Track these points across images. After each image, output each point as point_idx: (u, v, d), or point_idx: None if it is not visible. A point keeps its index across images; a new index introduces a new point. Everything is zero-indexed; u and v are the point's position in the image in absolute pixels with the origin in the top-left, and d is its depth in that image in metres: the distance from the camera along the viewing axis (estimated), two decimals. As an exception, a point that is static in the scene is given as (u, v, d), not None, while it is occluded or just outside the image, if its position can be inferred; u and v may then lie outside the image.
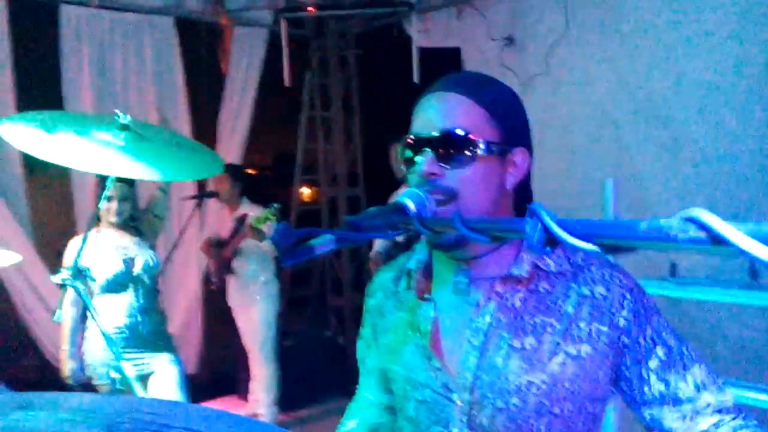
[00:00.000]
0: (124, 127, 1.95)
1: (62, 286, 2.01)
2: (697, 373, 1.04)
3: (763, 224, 0.41)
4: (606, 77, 3.98)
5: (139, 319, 3.13)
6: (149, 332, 3.17)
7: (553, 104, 4.26)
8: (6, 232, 4.20)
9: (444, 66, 5.16)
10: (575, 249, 0.58)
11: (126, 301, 3.12)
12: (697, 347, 1.08)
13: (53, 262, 4.45)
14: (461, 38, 4.90)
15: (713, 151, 3.44)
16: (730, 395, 1.05)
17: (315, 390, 5.07)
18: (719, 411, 1.03)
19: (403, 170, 1.11)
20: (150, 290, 3.23)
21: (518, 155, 1.09)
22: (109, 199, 3.09)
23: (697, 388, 1.03)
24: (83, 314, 3.12)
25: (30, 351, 4.49)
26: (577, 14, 4.07)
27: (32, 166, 4.37)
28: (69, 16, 4.49)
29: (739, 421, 1.02)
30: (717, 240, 0.43)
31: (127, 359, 3.00)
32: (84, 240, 2.05)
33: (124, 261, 3.12)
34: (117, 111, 1.95)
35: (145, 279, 3.18)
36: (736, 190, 3.33)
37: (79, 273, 2.03)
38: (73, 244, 3.11)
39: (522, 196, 1.13)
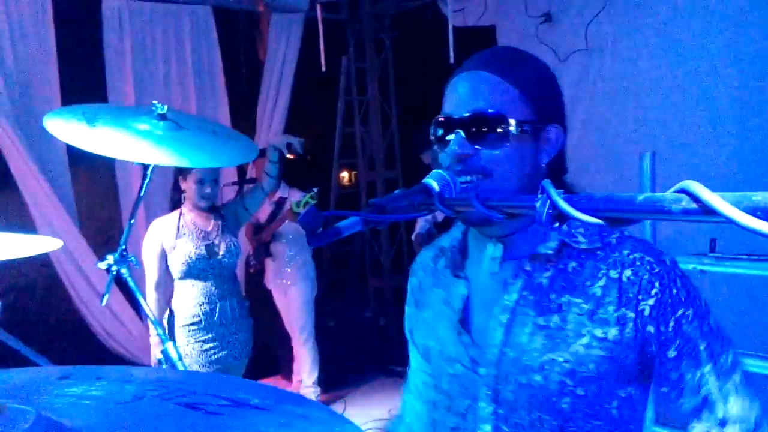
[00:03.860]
0: (162, 117, 2.01)
1: (108, 271, 2.10)
2: (706, 372, 1.02)
3: (749, 194, 0.42)
4: (643, 53, 3.90)
5: (217, 306, 3.10)
6: (226, 319, 3.13)
7: (589, 80, 4.19)
8: (54, 219, 4.35)
9: (479, 45, 5.07)
10: (610, 228, 0.58)
11: (205, 287, 3.09)
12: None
13: (100, 248, 4.60)
14: (497, 16, 4.84)
15: (743, 127, 3.41)
16: (734, 407, 1.02)
17: (356, 370, 5.16)
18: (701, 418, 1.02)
19: (437, 151, 1.11)
20: (229, 278, 3.19)
21: (552, 132, 1.08)
22: (202, 182, 3.06)
23: (700, 386, 1.02)
24: (169, 299, 3.14)
25: (79, 331, 4.66)
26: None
27: (76, 155, 4.46)
28: (111, 7, 4.59)
29: None
30: (707, 210, 0.44)
31: (206, 348, 3.09)
32: (129, 226, 2.11)
33: (207, 247, 3.09)
34: (155, 101, 2.01)
35: (226, 266, 3.14)
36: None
37: (124, 259, 2.09)
38: (156, 227, 3.12)
39: (556, 172, 1.13)
